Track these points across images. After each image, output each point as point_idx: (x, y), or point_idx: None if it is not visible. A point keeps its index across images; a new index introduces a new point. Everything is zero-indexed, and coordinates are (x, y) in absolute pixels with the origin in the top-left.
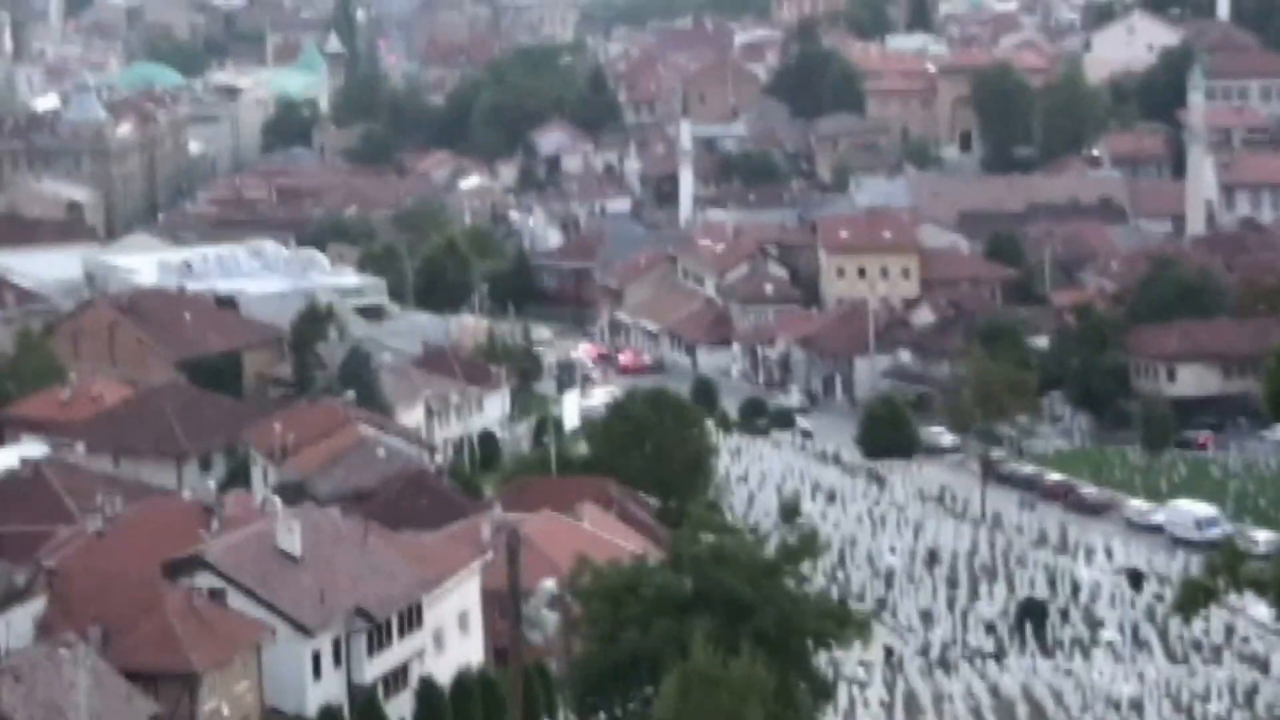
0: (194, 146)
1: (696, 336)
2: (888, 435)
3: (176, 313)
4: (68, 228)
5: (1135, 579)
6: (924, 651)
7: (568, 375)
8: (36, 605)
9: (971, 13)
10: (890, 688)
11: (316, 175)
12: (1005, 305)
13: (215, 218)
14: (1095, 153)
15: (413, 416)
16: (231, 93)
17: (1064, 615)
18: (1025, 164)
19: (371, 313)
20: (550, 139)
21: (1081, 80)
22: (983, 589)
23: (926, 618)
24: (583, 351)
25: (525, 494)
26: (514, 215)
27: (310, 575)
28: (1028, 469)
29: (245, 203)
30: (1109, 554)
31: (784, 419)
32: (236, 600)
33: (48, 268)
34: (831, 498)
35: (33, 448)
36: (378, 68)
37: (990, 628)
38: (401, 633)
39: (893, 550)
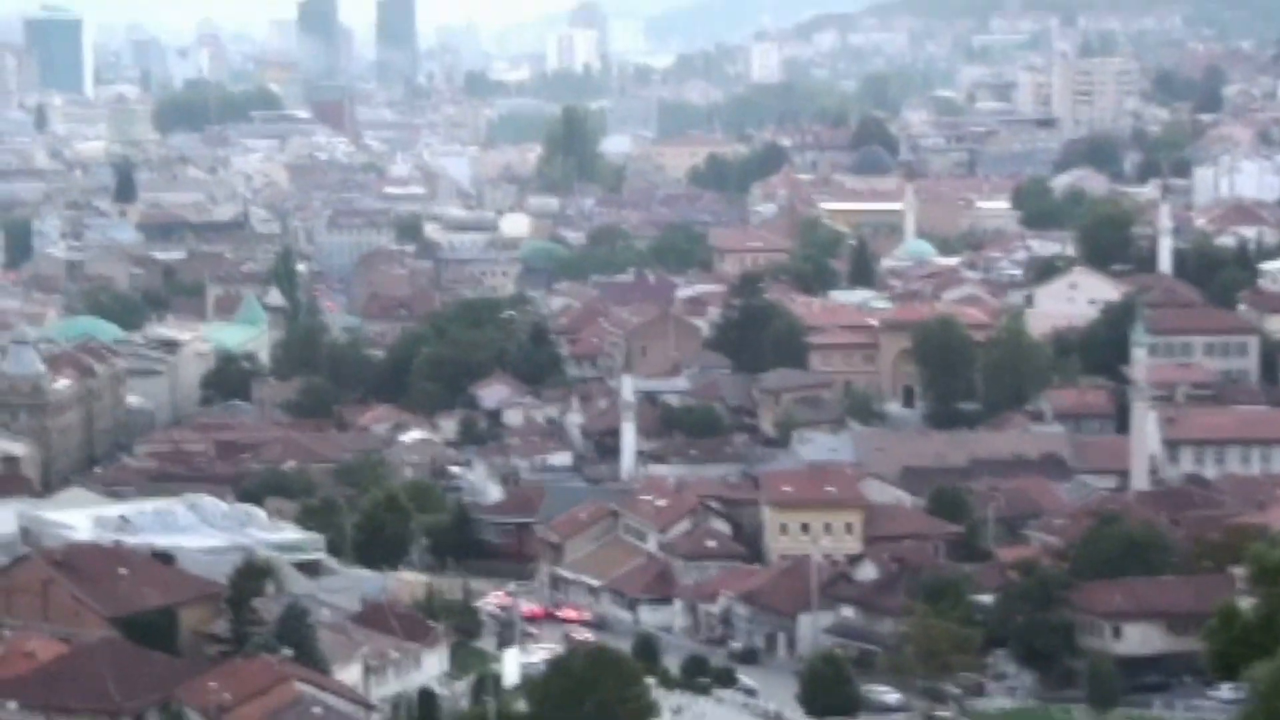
0: (132, 400)
1: (638, 592)
2: (831, 693)
3: (112, 568)
4: (3, 482)
5: None
6: None
7: (508, 632)
8: None
9: (914, 267)
10: None
11: (256, 429)
12: (949, 561)
13: (153, 472)
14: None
15: (350, 674)
16: (171, 346)
17: None
18: (969, 419)
19: (310, 568)
20: (491, 392)
21: (1024, 335)
22: None
23: None
24: (493, 600)
25: None
26: (454, 469)
27: None
28: None
29: (183, 456)
30: None
31: (726, 677)
32: None
33: None
34: None
35: None
36: (318, 321)
37: None
38: None
39: None
